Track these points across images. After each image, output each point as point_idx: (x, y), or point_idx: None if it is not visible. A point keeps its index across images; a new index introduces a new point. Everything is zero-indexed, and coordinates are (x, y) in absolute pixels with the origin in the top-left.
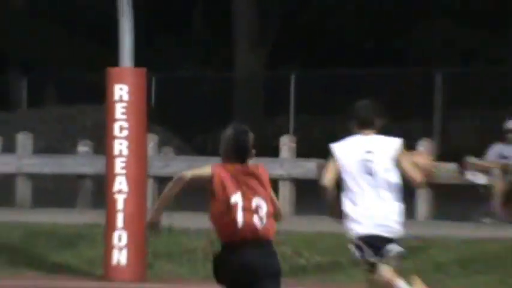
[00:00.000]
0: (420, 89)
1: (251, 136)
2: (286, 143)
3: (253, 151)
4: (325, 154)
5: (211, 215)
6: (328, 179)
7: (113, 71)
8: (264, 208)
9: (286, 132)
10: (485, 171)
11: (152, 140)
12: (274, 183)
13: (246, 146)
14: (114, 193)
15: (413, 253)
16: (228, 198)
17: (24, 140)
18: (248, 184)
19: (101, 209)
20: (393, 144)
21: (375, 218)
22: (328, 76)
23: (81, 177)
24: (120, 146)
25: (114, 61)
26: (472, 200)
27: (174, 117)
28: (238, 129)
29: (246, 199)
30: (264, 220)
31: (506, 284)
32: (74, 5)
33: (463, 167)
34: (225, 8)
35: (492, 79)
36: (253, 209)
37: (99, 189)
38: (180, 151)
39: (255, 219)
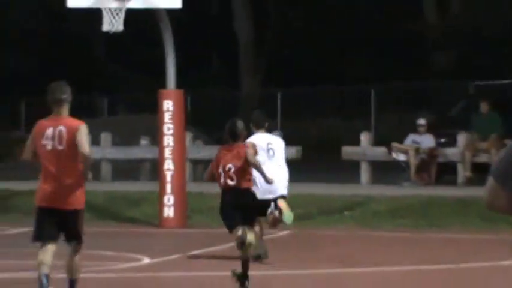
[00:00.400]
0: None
1: (240, 125)
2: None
3: (244, 134)
4: (301, 143)
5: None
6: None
7: (162, 92)
8: (232, 169)
9: (276, 129)
10: (405, 152)
11: (188, 135)
12: None
13: (235, 131)
14: (164, 170)
15: (358, 205)
16: (217, 166)
17: (105, 137)
18: (227, 156)
19: (156, 181)
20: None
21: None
22: (299, 93)
23: (143, 160)
24: (168, 140)
25: (163, 85)
26: (396, 171)
27: (202, 121)
28: (232, 121)
29: (223, 165)
30: (234, 177)
31: (418, 224)
32: (134, 53)
33: (390, 149)
34: (234, 49)
35: (407, 91)
36: (226, 171)
37: (155, 168)
38: (206, 142)
39: (228, 177)
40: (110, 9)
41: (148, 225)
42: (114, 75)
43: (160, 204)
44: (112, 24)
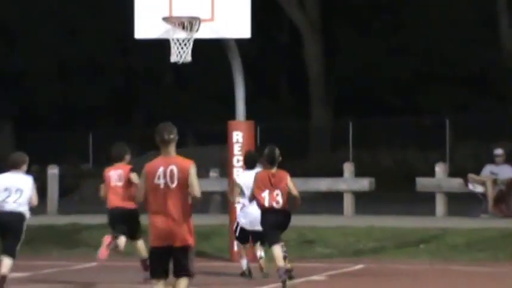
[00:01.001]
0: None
1: (277, 152)
2: (348, 167)
3: (279, 159)
4: (374, 174)
5: None
6: None
7: (232, 123)
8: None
9: (348, 160)
10: (482, 183)
11: (258, 167)
12: (339, 194)
13: (273, 157)
14: (233, 203)
15: (434, 238)
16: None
17: None
18: (272, 181)
19: (226, 214)
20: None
21: None
22: (372, 123)
23: (212, 193)
24: (237, 172)
25: (232, 115)
26: (473, 202)
27: None
28: (270, 148)
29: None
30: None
31: (497, 257)
32: (203, 82)
33: (466, 180)
34: (303, 78)
35: (483, 121)
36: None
37: (225, 201)
38: None
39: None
40: (177, 40)
41: (218, 259)
42: (183, 106)
43: (231, 238)
44: (180, 55)
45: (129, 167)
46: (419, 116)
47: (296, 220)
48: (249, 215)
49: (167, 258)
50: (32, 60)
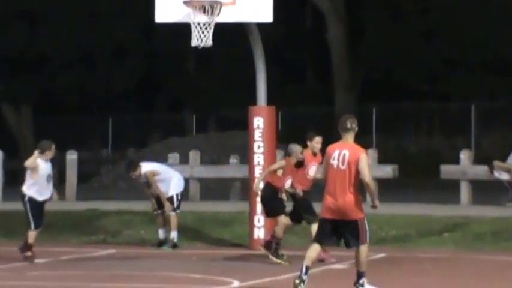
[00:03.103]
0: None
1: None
2: (371, 154)
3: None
4: (398, 161)
5: None
6: None
7: (253, 108)
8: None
9: (371, 146)
10: (507, 170)
11: (279, 154)
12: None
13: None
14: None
15: (459, 227)
16: None
17: (194, 155)
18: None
19: (246, 201)
20: None
21: None
22: (395, 109)
23: (232, 180)
24: (258, 158)
25: (254, 101)
26: (498, 190)
27: (294, 138)
28: (316, 131)
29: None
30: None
31: None
32: (228, 66)
33: (492, 168)
34: (327, 64)
35: (510, 108)
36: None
37: (245, 188)
38: None
39: None
40: (198, 24)
41: (238, 247)
42: (204, 92)
43: (251, 225)
44: (201, 39)
45: None
46: (445, 102)
47: (317, 207)
48: None
49: (332, 229)
50: (53, 45)
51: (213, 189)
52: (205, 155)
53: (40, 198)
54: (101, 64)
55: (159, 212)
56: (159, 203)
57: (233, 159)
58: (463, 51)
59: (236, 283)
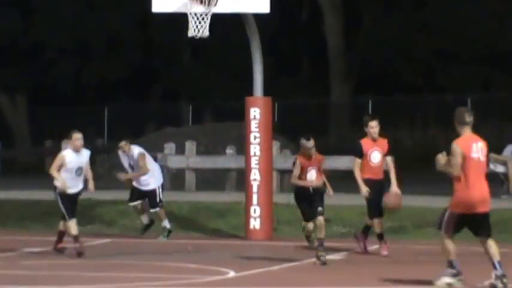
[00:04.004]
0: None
1: (312, 140)
2: None
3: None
4: (394, 153)
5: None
6: None
7: (249, 99)
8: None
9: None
10: (503, 163)
11: (275, 145)
12: None
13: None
14: (251, 181)
15: None
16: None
17: (190, 145)
18: (312, 163)
19: (242, 191)
20: None
21: None
22: (391, 101)
23: (228, 170)
24: (255, 149)
25: (250, 92)
26: (494, 183)
27: (290, 129)
28: (305, 136)
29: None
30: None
31: None
32: (225, 57)
33: (487, 160)
34: (323, 55)
35: (505, 101)
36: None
37: (241, 178)
38: (294, 152)
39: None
40: (195, 14)
41: (233, 237)
42: (200, 82)
43: (247, 216)
44: (198, 29)
45: None
46: (440, 94)
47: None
48: None
49: (467, 223)
50: (49, 34)
51: (209, 180)
52: (201, 146)
53: (68, 190)
54: (96, 53)
55: (135, 203)
56: (133, 194)
57: (229, 150)
58: (459, 44)
59: (232, 273)
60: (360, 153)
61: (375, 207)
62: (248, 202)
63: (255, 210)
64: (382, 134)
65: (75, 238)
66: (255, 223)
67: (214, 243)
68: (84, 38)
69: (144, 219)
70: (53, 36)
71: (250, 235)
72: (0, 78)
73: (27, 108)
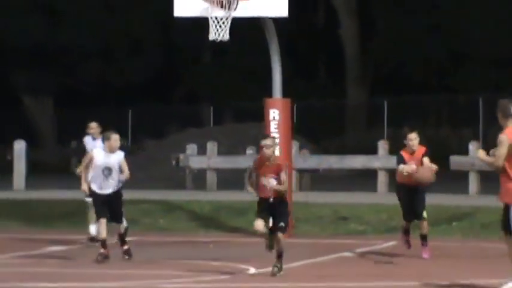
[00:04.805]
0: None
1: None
2: (382, 145)
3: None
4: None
5: None
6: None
7: (268, 100)
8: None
9: (382, 138)
10: None
11: (295, 145)
12: (374, 172)
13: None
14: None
15: (466, 216)
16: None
17: (211, 146)
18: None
19: None
20: None
21: None
22: (406, 102)
23: (249, 170)
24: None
25: (269, 93)
26: None
27: (309, 130)
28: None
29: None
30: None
31: None
32: (244, 59)
33: None
34: (339, 58)
35: None
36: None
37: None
38: (313, 152)
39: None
40: (216, 18)
41: (253, 235)
42: (220, 84)
43: None
44: (218, 33)
45: None
46: (453, 95)
47: (330, 197)
48: None
49: None
50: (74, 38)
51: (230, 180)
52: (221, 146)
53: (99, 191)
54: (120, 56)
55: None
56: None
57: (249, 150)
58: (471, 45)
59: (252, 270)
60: (400, 164)
61: (409, 211)
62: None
63: None
64: (396, 133)
65: (102, 242)
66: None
67: (235, 241)
68: (108, 41)
69: (92, 229)
70: (78, 40)
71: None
72: (27, 80)
73: (53, 110)
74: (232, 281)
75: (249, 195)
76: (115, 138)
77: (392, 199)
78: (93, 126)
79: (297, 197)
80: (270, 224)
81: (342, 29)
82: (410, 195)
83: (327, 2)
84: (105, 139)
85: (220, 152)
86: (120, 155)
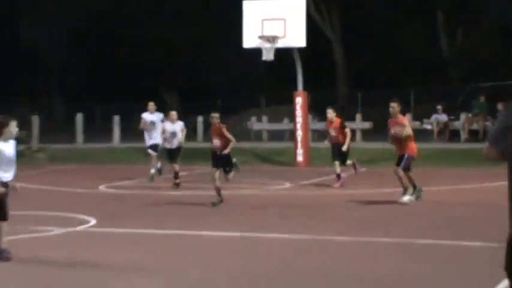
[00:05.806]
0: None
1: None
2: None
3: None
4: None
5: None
6: None
7: (295, 92)
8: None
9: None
10: (431, 124)
11: (311, 121)
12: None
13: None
14: (297, 135)
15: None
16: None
17: (265, 118)
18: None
19: (292, 141)
20: None
21: None
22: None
23: (284, 130)
24: (298, 120)
25: (295, 88)
26: (427, 134)
27: (318, 108)
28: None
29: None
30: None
31: (439, 164)
32: (282, 68)
33: (422, 122)
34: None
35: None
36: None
37: (292, 134)
38: (320, 121)
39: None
40: (265, 48)
41: (289, 165)
42: (269, 86)
43: (295, 154)
44: (267, 56)
45: None
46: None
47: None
48: None
49: None
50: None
51: (275, 135)
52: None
53: (167, 145)
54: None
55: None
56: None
57: (285, 120)
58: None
59: (287, 184)
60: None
61: None
62: (296, 146)
63: (300, 151)
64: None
65: (175, 173)
66: (300, 158)
67: (279, 169)
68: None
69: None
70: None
71: (297, 164)
72: None
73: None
74: (277, 190)
75: (285, 144)
76: (172, 113)
77: None
78: (151, 104)
79: (312, 144)
80: None
81: (335, 55)
82: None
83: (324, 34)
84: (167, 115)
85: (269, 121)
86: (181, 124)
